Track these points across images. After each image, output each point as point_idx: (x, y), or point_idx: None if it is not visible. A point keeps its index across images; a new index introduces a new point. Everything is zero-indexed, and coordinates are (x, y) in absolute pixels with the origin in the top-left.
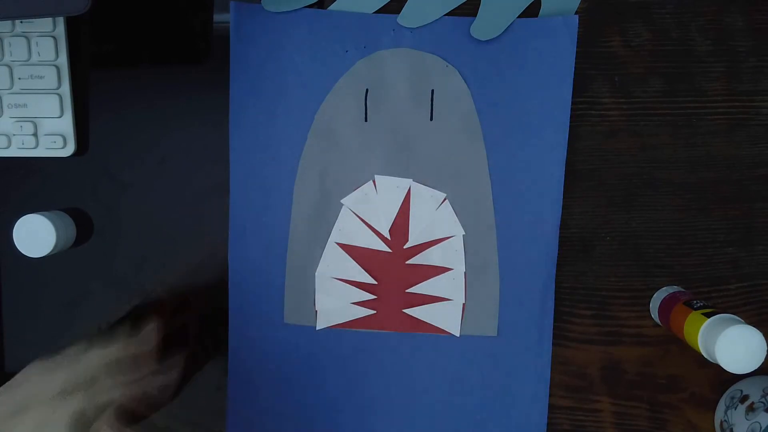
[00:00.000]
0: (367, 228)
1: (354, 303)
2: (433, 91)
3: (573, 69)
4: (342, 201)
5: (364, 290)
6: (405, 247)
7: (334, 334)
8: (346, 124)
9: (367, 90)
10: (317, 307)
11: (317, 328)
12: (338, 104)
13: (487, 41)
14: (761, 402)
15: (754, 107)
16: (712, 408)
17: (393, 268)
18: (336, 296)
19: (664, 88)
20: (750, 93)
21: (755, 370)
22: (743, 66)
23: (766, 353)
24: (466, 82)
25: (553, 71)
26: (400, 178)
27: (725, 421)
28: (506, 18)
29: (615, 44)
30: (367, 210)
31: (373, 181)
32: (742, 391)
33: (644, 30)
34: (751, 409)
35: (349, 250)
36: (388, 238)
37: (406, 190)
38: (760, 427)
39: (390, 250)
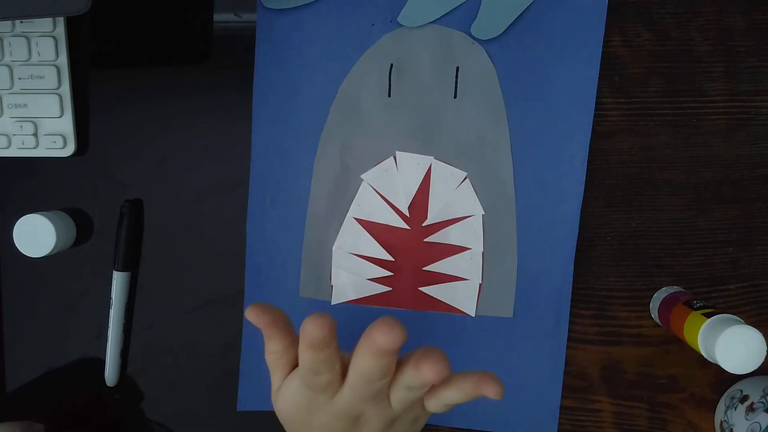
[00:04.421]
0: (386, 204)
1: (370, 279)
2: (458, 68)
3: (601, 49)
4: (362, 176)
5: (380, 267)
6: (423, 224)
7: (349, 310)
8: (369, 98)
9: (391, 65)
10: (333, 282)
11: (332, 303)
12: (362, 78)
13: (515, 20)
14: (761, 402)
15: (754, 107)
16: (712, 408)
17: (410, 246)
18: (352, 272)
19: (664, 88)
20: (750, 93)
21: (755, 370)
22: (743, 66)
23: (766, 353)
24: (492, 60)
25: (580, 51)
26: (421, 155)
27: (725, 421)
28: (507, 17)
29: (615, 44)
30: (386, 186)
31: (394, 157)
32: (742, 391)
33: (644, 30)
34: (751, 409)
35: (367, 225)
36: (407, 215)
37: (427, 168)
38: (760, 427)
39: (408, 228)
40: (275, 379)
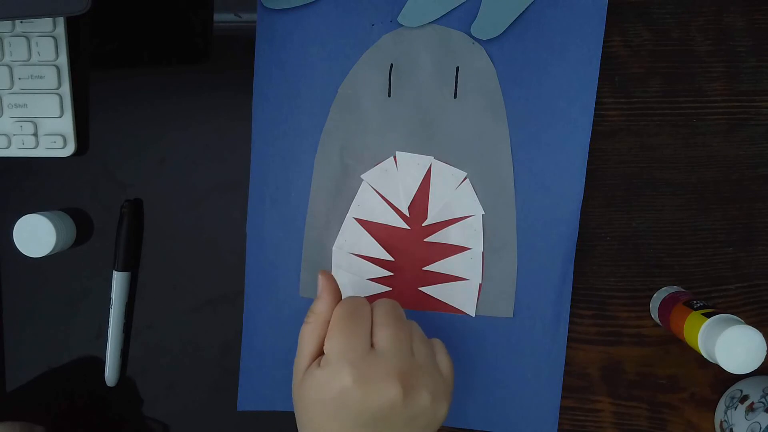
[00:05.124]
0: (386, 204)
1: (370, 279)
2: (458, 68)
3: (601, 48)
4: (362, 176)
5: (380, 267)
6: (423, 224)
7: None
8: (369, 98)
9: (391, 65)
10: None
11: None
12: (362, 78)
13: (515, 19)
14: (761, 402)
15: (754, 107)
16: (712, 408)
17: (411, 246)
18: (352, 272)
19: (664, 88)
20: (750, 93)
21: (755, 370)
22: (743, 66)
23: (766, 353)
24: (492, 60)
25: (580, 51)
26: (421, 155)
27: (725, 421)
28: (507, 17)
29: (615, 44)
30: (386, 186)
31: (394, 158)
32: (742, 391)
33: (644, 30)
34: (751, 409)
35: (368, 225)
36: (407, 215)
37: (427, 168)
38: (760, 427)
39: (408, 228)
40: (308, 349)
